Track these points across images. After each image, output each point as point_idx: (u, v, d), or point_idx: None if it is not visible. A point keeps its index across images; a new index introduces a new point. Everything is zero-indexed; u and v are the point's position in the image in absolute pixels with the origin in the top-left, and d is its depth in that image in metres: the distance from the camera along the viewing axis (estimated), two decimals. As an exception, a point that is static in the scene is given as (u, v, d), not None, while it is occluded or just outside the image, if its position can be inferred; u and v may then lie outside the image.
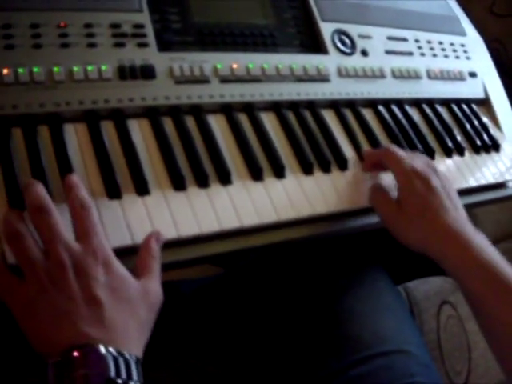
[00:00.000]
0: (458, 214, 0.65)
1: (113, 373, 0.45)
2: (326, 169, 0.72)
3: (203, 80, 0.70)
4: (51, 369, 0.46)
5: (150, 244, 0.56)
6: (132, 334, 0.50)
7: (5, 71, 0.59)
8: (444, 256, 0.63)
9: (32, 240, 0.50)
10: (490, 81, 0.99)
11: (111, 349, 0.46)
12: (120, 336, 0.48)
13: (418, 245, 0.65)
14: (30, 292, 0.49)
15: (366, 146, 0.78)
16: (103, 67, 0.64)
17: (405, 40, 0.92)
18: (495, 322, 0.60)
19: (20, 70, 0.60)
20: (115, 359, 0.46)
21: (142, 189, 0.60)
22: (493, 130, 0.93)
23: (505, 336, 0.59)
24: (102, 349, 0.46)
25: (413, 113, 0.87)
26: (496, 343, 0.62)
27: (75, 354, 0.45)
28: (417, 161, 0.69)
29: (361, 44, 0.86)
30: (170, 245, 0.58)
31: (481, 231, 0.64)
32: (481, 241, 0.63)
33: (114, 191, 0.59)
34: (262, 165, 0.68)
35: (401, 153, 0.70)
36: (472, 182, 0.83)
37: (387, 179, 0.73)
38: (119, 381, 0.46)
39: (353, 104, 0.82)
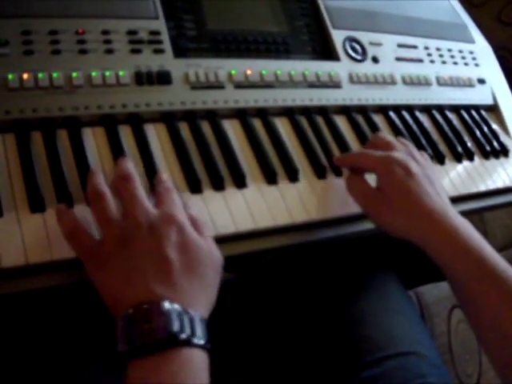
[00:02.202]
0: (440, 198, 0.64)
1: (176, 327, 0.47)
2: (338, 173, 0.73)
3: (218, 86, 0.71)
4: (120, 321, 0.48)
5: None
6: (198, 294, 0.51)
7: (25, 76, 0.61)
8: (428, 240, 0.62)
9: (112, 201, 0.53)
10: (498, 87, 1.00)
11: (176, 305, 0.48)
12: (187, 295, 0.50)
13: (401, 231, 0.64)
14: (105, 248, 0.51)
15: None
16: (121, 73, 0.65)
17: (415, 47, 0.93)
18: (480, 306, 0.58)
19: (40, 75, 0.61)
20: (179, 315, 0.47)
21: (159, 191, 0.61)
22: (502, 136, 0.94)
23: (490, 321, 0.58)
24: (167, 304, 0.47)
25: (423, 119, 0.88)
26: (482, 330, 0.60)
27: (143, 307, 0.47)
28: (394, 151, 0.68)
29: (372, 51, 0.87)
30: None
31: (489, 237, 0.64)
32: (465, 226, 0.62)
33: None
34: (276, 169, 0.69)
35: (375, 152, 0.68)
36: (482, 187, 0.84)
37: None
38: (183, 335, 0.47)
39: (364, 110, 0.83)
